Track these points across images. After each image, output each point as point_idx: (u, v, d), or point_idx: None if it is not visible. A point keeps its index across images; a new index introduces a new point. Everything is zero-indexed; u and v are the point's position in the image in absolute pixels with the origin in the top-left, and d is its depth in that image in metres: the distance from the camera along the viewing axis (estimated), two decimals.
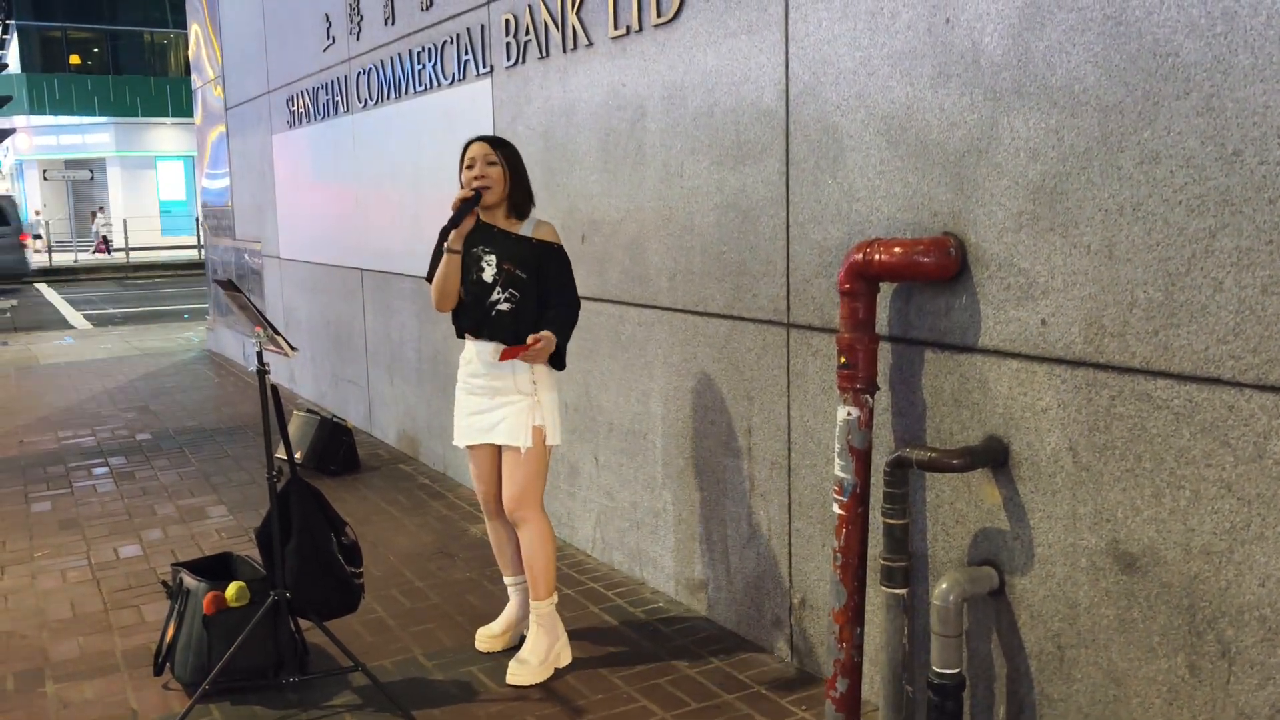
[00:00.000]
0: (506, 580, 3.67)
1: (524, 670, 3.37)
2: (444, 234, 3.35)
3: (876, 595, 2.90)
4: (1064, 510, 2.48)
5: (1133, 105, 2.24)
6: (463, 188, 3.35)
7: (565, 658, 3.49)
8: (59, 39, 39.05)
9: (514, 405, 3.35)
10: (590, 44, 4.17)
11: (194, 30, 11.30)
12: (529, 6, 4.57)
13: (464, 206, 3.27)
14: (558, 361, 3.38)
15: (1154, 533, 2.29)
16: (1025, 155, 2.49)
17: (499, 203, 3.38)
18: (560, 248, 3.41)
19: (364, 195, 6.86)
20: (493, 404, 3.38)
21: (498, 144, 3.41)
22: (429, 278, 3.45)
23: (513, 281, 3.32)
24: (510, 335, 3.32)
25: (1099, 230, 2.34)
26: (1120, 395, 2.33)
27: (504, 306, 3.33)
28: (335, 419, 6.26)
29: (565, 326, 3.35)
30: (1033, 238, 2.49)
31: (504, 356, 3.28)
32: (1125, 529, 2.35)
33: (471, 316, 3.41)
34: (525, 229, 3.40)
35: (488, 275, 3.33)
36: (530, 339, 3.22)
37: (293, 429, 6.15)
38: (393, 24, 6.04)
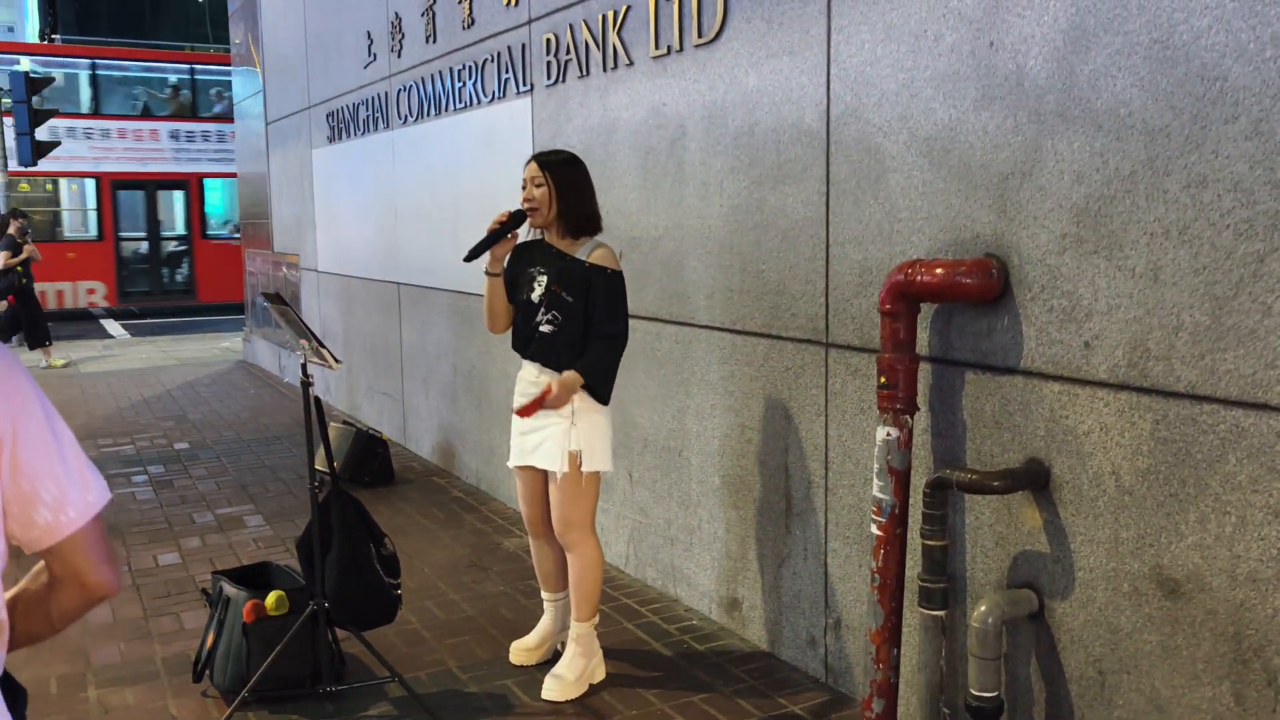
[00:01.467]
0: (544, 595, 3.68)
1: (559, 686, 3.37)
2: (474, 253, 3.35)
3: (914, 616, 2.89)
4: (1106, 534, 2.47)
5: (1179, 129, 2.24)
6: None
7: (599, 674, 3.50)
8: None
9: (553, 428, 3.32)
10: (631, 63, 4.21)
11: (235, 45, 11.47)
12: (570, 26, 4.61)
13: (489, 237, 3.29)
14: (599, 395, 3.33)
15: (1199, 559, 2.27)
16: (1070, 178, 2.49)
17: (551, 223, 3.36)
18: (614, 273, 3.33)
19: (402, 210, 6.94)
20: (536, 425, 3.36)
21: (547, 164, 3.36)
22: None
23: (556, 304, 3.30)
24: (552, 358, 3.31)
25: (1144, 253, 2.33)
26: (1165, 419, 2.32)
27: (546, 329, 3.32)
28: (370, 431, 6.31)
29: (597, 366, 3.28)
30: (1077, 260, 2.49)
31: (521, 413, 3.29)
32: (1169, 554, 2.33)
33: (520, 336, 3.42)
34: (582, 251, 3.36)
35: (535, 295, 3.33)
36: (545, 388, 3.23)
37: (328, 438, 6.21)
38: (434, 42, 6.11)
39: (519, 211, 3.33)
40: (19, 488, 1.29)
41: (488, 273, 3.38)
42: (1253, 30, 2.09)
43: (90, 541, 1.36)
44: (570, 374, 3.25)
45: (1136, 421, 2.38)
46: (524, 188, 3.35)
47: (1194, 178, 2.22)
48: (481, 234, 3.37)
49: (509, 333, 3.51)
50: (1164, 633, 2.36)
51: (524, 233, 3.40)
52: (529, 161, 3.39)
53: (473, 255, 3.31)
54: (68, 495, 1.32)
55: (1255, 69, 2.09)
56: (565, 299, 3.30)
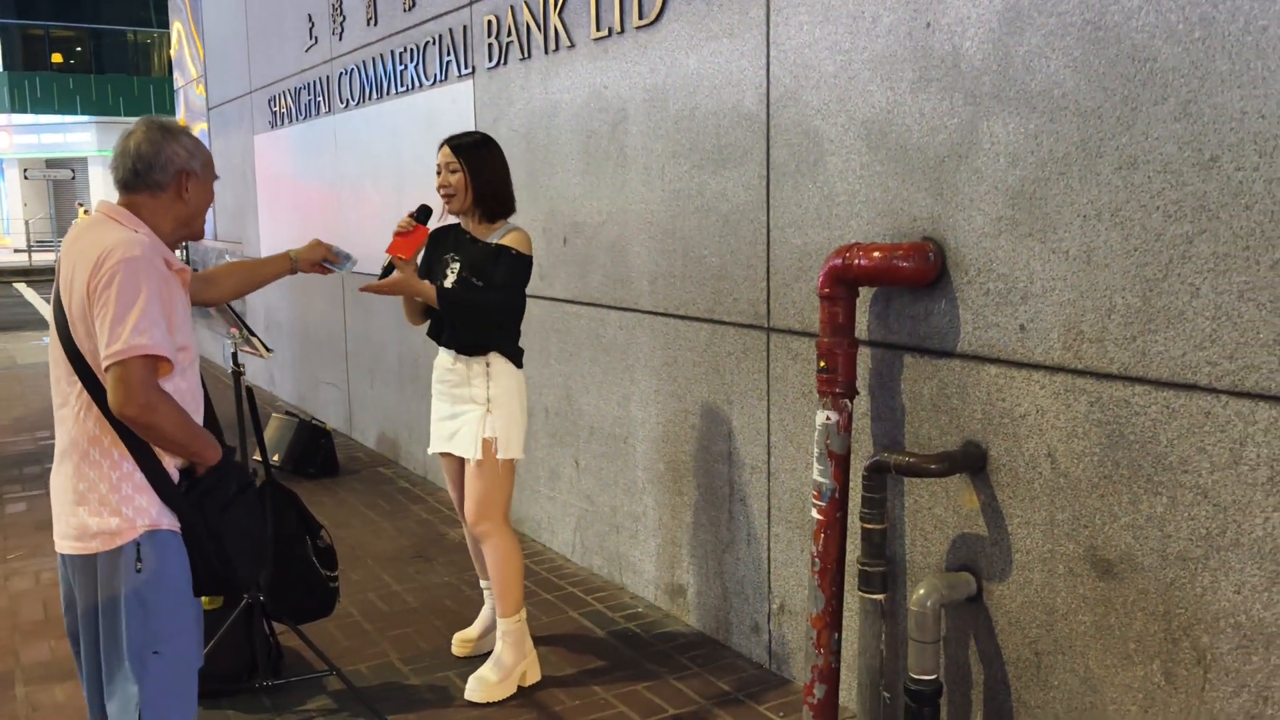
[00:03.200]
0: (483, 584, 3.65)
1: (481, 687, 3.27)
2: (384, 271, 3.27)
3: (854, 601, 2.89)
4: (1042, 516, 2.48)
5: (1111, 110, 2.24)
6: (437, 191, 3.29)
7: (533, 676, 3.39)
8: (41, 37, 38.80)
9: (468, 415, 3.27)
10: (572, 45, 4.16)
11: (176, 29, 11.24)
12: (511, 7, 4.55)
13: (390, 267, 3.19)
14: (452, 296, 3.21)
15: (1131, 539, 2.28)
16: (1005, 160, 2.48)
17: (466, 209, 3.27)
18: (519, 254, 3.22)
19: (346, 196, 6.83)
20: (454, 411, 3.32)
21: (460, 147, 3.26)
22: None
23: (467, 289, 3.23)
24: (461, 343, 3.26)
25: (1078, 236, 2.33)
26: (1098, 401, 2.32)
27: (451, 324, 3.27)
28: (314, 421, 6.22)
29: (460, 297, 3.18)
30: (1012, 243, 2.48)
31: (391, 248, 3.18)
32: (1103, 535, 2.34)
33: (435, 322, 3.36)
34: (495, 236, 3.27)
35: (448, 283, 3.26)
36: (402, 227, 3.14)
37: (271, 431, 6.11)
38: (375, 24, 6.01)
39: (424, 208, 3.22)
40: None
41: (397, 260, 3.24)
42: (1182, 11, 2.09)
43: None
44: (425, 284, 3.18)
45: (1071, 404, 2.39)
46: (439, 174, 3.27)
47: (1125, 159, 2.22)
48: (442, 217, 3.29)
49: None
50: (1098, 613, 2.37)
51: (437, 218, 3.29)
52: (442, 146, 3.29)
53: (386, 274, 3.20)
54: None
55: (1184, 50, 2.09)
56: (475, 284, 3.22)
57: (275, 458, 5.95)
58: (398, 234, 3.18)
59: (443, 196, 3.26)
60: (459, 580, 4.32)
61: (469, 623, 3.73)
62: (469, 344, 3.26)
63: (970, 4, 2.53)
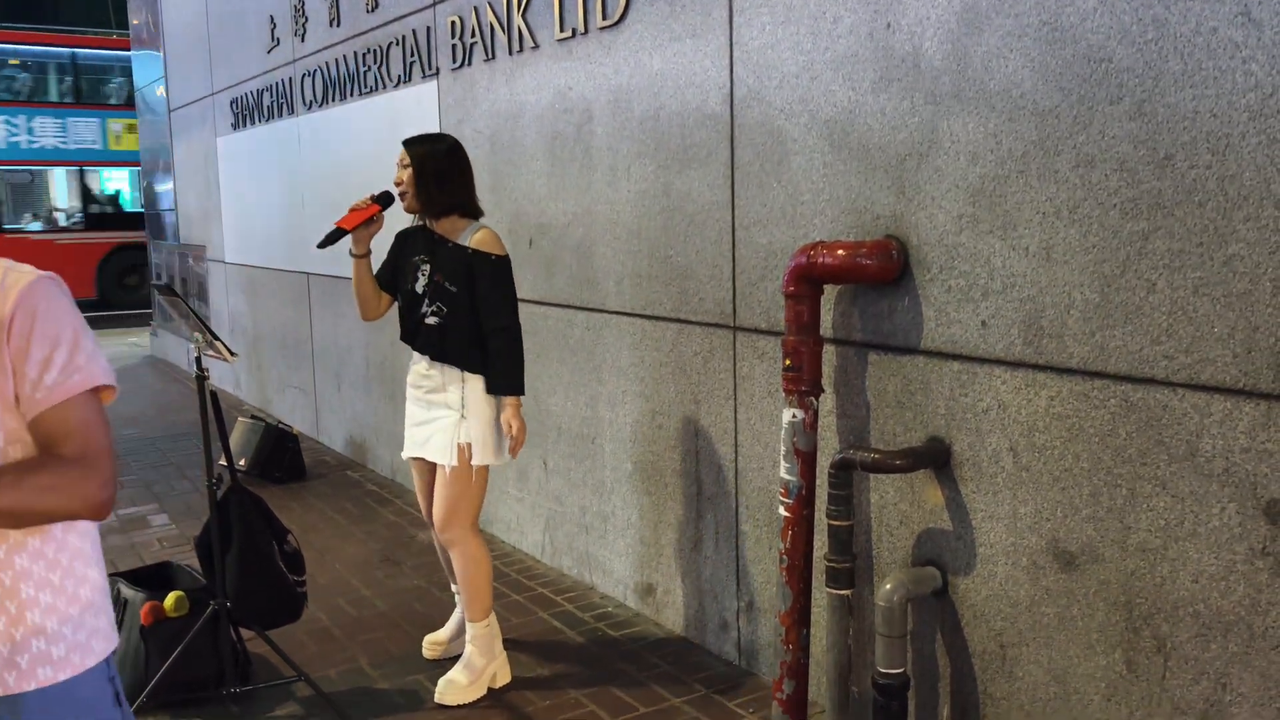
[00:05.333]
0: (454, 587, 3.63)
1: (451, 690, 3.26)
2: (399, 238, 3.30)
3: (822, 597, 2.91)
4: (1005, 510, 2.51)
5: (1068, 110, 2.27)
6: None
7: (503, 678, 3.39)
8: None
9: (442, 420, 3.25)
10: (536, 46, 4.16)
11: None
12: (475, 8, 4.54)
13: (336, 231, 3.20)
14: (509, 384, 3.24)
15: (1092, 531, 2.32)
16: (965, 158, 2.51)
17: (414, 206, 3.26)
18: (498, 258, 3.23)
19: (309, 199, 6.78)
20: (428, 416, 3.30)
21: (410, 144, 3.27)
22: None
23: (440, 295, 3.21)
24: (439, 351, 3.23)
25: (1037, 233, 2.37)
26: (1058, 396, 2.36)
27: (431, 320, 3.22)
28: (281, 425, 6.17)
29: (510, 369, 3.20)
30: (973, 240, 2.51)
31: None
32: (1064, 528, 2.38)
33: (405, 326, 3.34)
34: (464, 235, 3.26)
35: (419, 286, 3.25)
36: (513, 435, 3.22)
37: (237, 436, 6.06)
38: (338, 25, 5.98)
39: (387, 193, 3.25)
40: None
41: (352, 254, 3.28)
42: (1135, 13, 2.13)
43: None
44: (509, 407, 3.22)
45: (1032, 398, 2.42)
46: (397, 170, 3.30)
47: (1082, 158, 2.26)
48: (407, 219, 3.31)
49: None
50: (1061, 604, 2.40)
51: (388, 217, 3.30)
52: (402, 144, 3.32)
53: (325, 243, 3.19)
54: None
55: (1138, 50, 2.13)
56: (449, 289, 3.20)
57: (241, 462, 5.90)
58: (353, 209, 3.22)
59: (397, 193, 3.27)
60: (428, 584, 4.31)
61: (438, 626, 3.72)
62: (445, 352, 3.23)
63: (929, 5, 2.56)
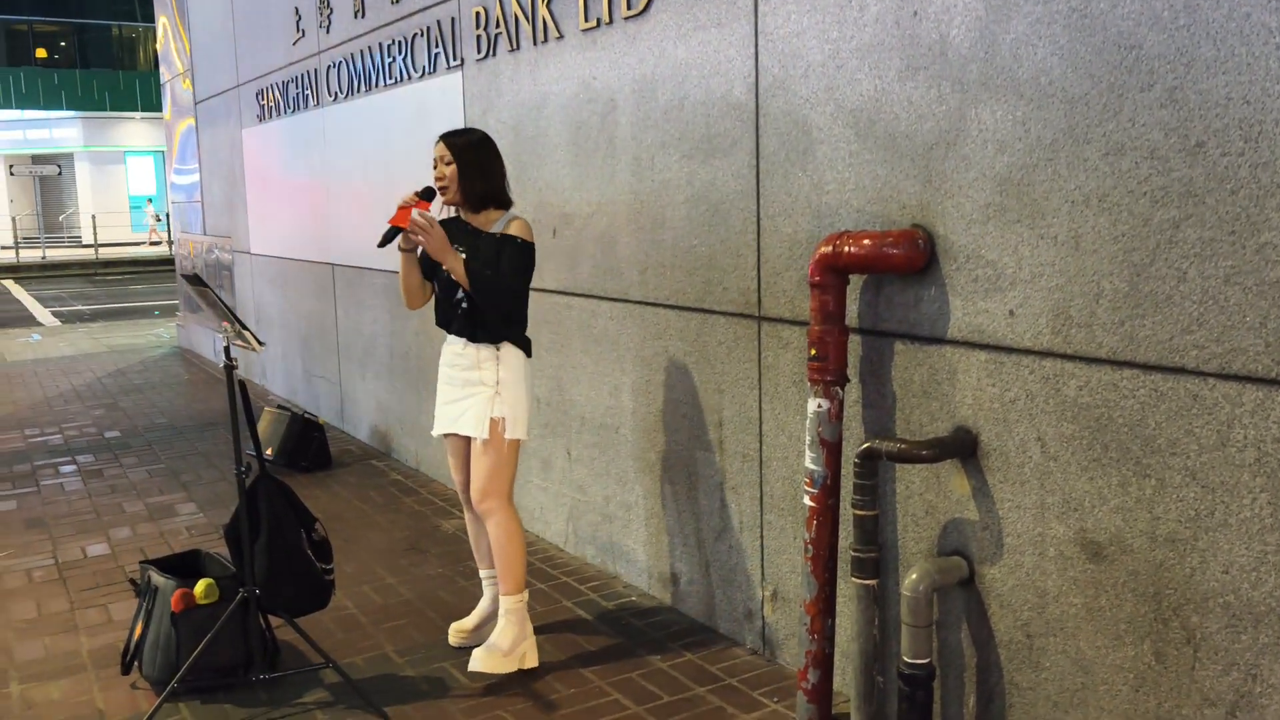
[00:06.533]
0: (481, 573, 3.67)
1: (489, 657, 3.32)
2: (384, 238, 3.36)
3: (847, 586, 2.91)
4: (1032, 500, 2.50)
5: (1098, 97, 2.26)
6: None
7: (531, 660, 3.43)
8: (25, 32, 38.53)
9: (476, 396, 3.36)
10: (561, 36, 4.16)
11: (162, 23, 11.18)
12: None
13: (395, 228, 3.27)
14: (498, 334, 3.32)
15: (1120, 521, 2.30)
16: (993, 147, 2.50)
17: (457, 200, 3.40)
18: (524, 242, 3.35)
19: (335, 190, 6.81)
20: (461, 394, 3.40)
21: (451, 140, 3.39)
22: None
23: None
24: (473, 332, 3.35)
25: (1065, 221, 2.35)
26: (1087, 385, 2.34)
27: (466, 304, 3.35)
28: (307, 415, 6.21)
29: (480, 274, 3.23)
30: (1000, 229, 2.50)
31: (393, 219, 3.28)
32: (1092, 518, 2.36)
33: (442, 312, 3.46)
34: (497, 225, 3.39)
35: (454, 276, 3.31)
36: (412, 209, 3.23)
37: (264, 425, 6.11)
38: (363, 17, 6.00)
39: (429, 188, 3.36)
40: None
41: (401, 248, 3.41)
42: None
43: None
44: (454, 255, 3.24)
45: (1060, 388, 2.41)
46: (434, 166, 3.39)
47: (1112, 146, 2.24)
48: (433, 209, 3.36)
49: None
50: (1088, 595, 2.39)
51: (437, 210, 3.39)
52: (437, 141, 3.41)
53: (384, 243, 3.34)
54: None
55: (1169, 37, 2.11)
56: (484, 274, 3.30)
57: (268, 451, 5.94)
58: (401, 207, 3.29)
59: (438, 188, 3.37)
60: (453, 572, 4.34)
61: (464, 614, 3.74)
62: (480, 332, 3.34)
63: None
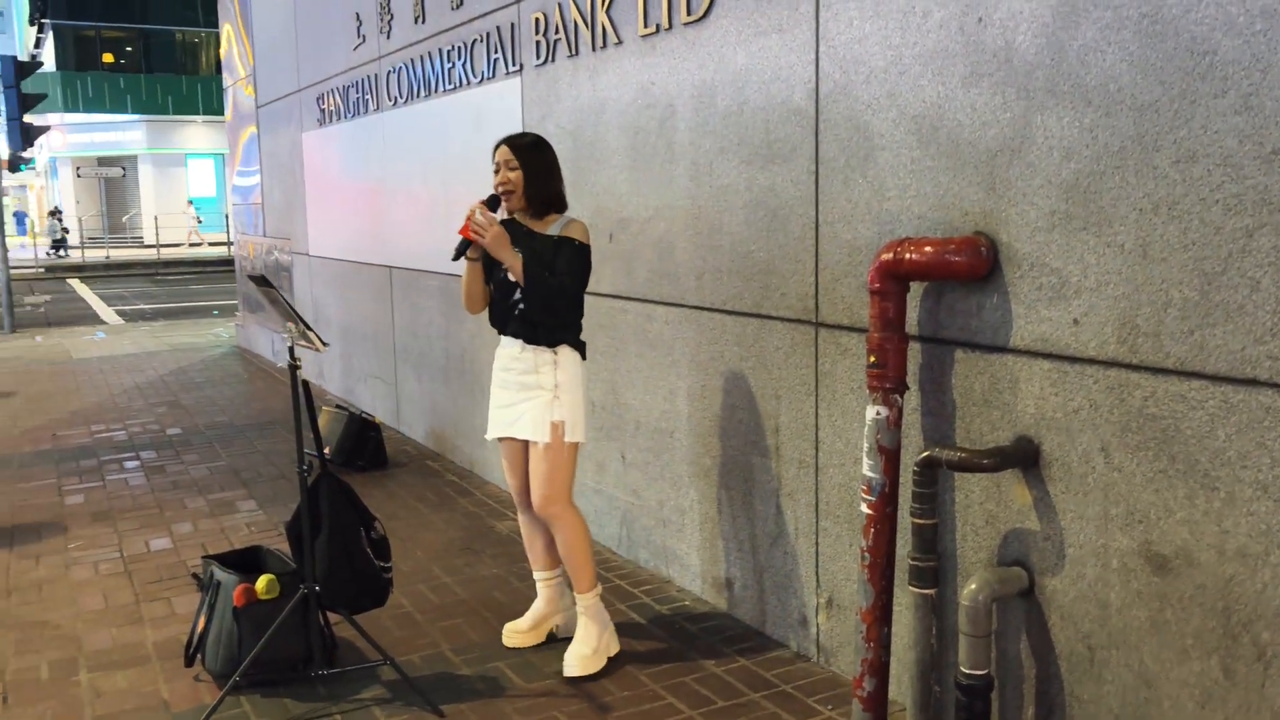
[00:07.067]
0: (536, 575, 3.69)
1: (581, 661, 3.39)
2: (457, 249, 3.42)
3: (904, 595, 2.89)
4: (1095, 511, 2.47)
5: (1169, 104, 2.23)
6: (495, 190, 3.42)
7: (614, 647, 3.52)
8: (93, 38, 39.50)
9: (534, 400, 3.38)
10: (620, 42, 4.18)
11: (225, 29, 11.40)
12: (559, 5, 4.58)
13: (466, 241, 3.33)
14: (554, 336, 3.35)
15: (1187, 534, 2.27)
16: (1059, 154, 2.47)
17: (522, 205, 3.41)
18: (581, 244, 3.37)
19: (393, 193, 6.90)
20: (518, 398, 3.42)
21: (518, 146, 3.42)
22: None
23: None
24: (531, 335, 3.36)
25: (1133, 229, 2.32)
26: (1154, 396, 2.31)
27: (523, 306, 3.36)
28: (363, 415, 6.30)
29: (540, 273, 3.26)
30: (1066, 237, 2.47)
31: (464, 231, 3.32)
32: (1158, 530, 2.33)
33: (498, 314, 3.47)
34: (555, 228, 3.41)
35: (511, 275, 3.35)
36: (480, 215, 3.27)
37: (322, 424, 6.20)
38: (423, 22, 6.07)
39: (493, 197, 3.39)
40: None
41: (469, 257, 3.44)
42: (1242, 3, 2.08)
43: None
44: (512, 254, 3.27)
45: (1126, 398, 2.37)
46: (496, 171, 3.41)
47: (1184, 153, 2.21)
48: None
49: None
50: (1153, 608, 2.36)
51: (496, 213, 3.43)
52: (499, 145, 3.44)
53: (458, 256, 3.40)
54: None
55: (1245, 42, 2.08)
56: (540, 275, 3.31)
57: (326, 450, 6.03)
58: (470, 219, 3.32)
59: (500, 192, 3.39)
60: (507, 573, 4.37)
61: (517, 614, 3.77)
62: (537, 334, 3.36)
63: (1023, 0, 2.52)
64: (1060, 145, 2.47)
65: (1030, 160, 2.55)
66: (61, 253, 31.25)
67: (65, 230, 32.54)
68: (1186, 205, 2.21)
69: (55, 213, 33.43)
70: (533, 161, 3.40)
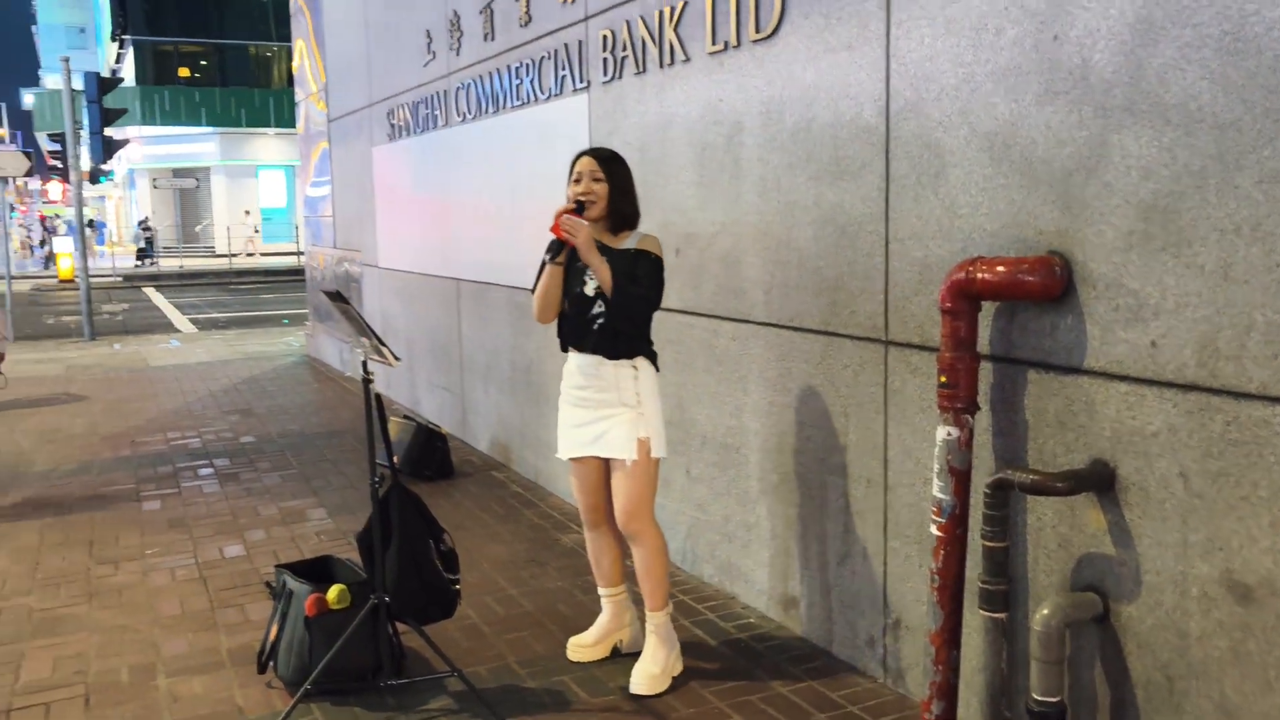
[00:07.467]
0: (601, 591, 3.70)
1: (648, 680, 3.39)
2: (551, 248, 3.38)
3: (974, 618, 2.85)
4: (1174, 538, 2.42)
5: (1251, 123, 2.18)
6: (568, 201, 3.38)
7: (678, 666, 3.52)
8: (170, 53, 40.64)
9: (618, 417, 3.36)
10: (687, 59, 4.20)
11: (298, 44, 11.65)
12: (626, 22, 4.61)
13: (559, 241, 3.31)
14: (633, 349, 3.35)
15: (1271, 563, 2.21)
16: (1137, 173, 2.43)
17: (601, 217, 3.39)
18: (656, 257, 3.38)
19: (461, 207, 7.00)
20: (596, 415, 3.40)
21: (604, 159, 3.42)
22: (534, 290, 3.47)
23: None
24: (611, 349, 3.34)
25: (1214, 250, 2.27)
26: (1235, 421, 2.26)
27: (603, 320, 3.35)
28: (431, 426, 6.38)
29: (624, 289, 3.25)
30: (1143, 257, 2.43)
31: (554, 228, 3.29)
32: (1240, 559, 2.28)
33: (573, 329, 3.43)
34: (629, 243, 3.40)
35: (589, 289, 3.35)
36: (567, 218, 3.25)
37: (389, 434, 6.28)
38: (492, 40, 6.15)
39: (580, 203, 3.35)
40: None
41: (552, 262, 3.37)
42: None
43: None
44: (600, 258, 3.25)
45: (1206, 423, 2.32)
46: (577, 181, 3.39)
47: (1267, 173, 2.16)
48: (540, 231, 3.39)
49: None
50: (1235, 638, 2.30)
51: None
52: (583, 155, 3.43)
53: (554, 253, 3.34)
54: None
55: None
56: (627, 284, 3.30)
57: (394, 459, 6.12)
58: (559, 219, 3.30)
59: (581, 203, 3.35)
60: (572, 585, 4.40)
61: (582, 628, 3.79)
62: (617, 347, 3.34)
63: (1100, 16, 2.49)
64: (1138, 164, 2.43)
65: (1107, 179, 2.51)
66: (148, 261, 32.05)
67: (150, 239, 33.34)
68: (1270, 226, 2.16)
69: (144, 223, 34.29)
70: (617, 174, 3.40)
